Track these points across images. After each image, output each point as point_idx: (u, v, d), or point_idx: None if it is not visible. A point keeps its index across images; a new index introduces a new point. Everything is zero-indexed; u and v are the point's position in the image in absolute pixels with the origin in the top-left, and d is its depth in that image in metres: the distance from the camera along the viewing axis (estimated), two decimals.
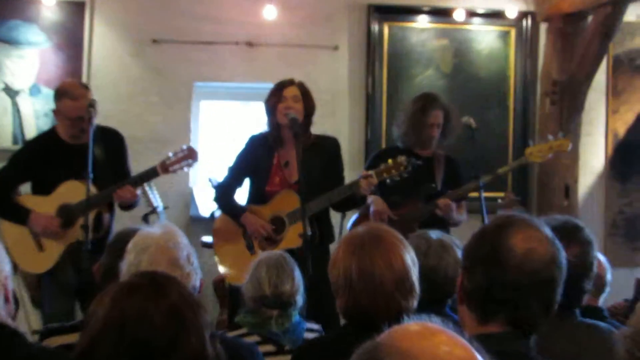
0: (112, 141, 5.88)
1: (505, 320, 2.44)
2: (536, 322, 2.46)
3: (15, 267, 5.96)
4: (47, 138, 5.87)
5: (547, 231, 2.51)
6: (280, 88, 5.69)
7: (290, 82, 5.71)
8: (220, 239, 5.92)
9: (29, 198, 5.81)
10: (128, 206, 5.87)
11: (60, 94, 5.69)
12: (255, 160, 5.80)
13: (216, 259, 5.93)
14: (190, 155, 5.71)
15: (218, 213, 6.25)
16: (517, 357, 2.37)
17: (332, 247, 5.58)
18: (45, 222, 5.66)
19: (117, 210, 5.91)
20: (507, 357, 1.62)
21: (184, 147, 5.75)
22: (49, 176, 5.69)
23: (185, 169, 5.77)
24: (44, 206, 5.69)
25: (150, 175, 5.69)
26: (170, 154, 5.70)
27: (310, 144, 5.69)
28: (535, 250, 2.44)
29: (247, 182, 5.92)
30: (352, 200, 5.67)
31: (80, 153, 5.41)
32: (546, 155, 6.30)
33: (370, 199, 6.13)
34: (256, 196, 5.83)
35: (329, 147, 5.85)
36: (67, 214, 5.66)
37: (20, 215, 5.72)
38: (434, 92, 6.57)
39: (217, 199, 6.00)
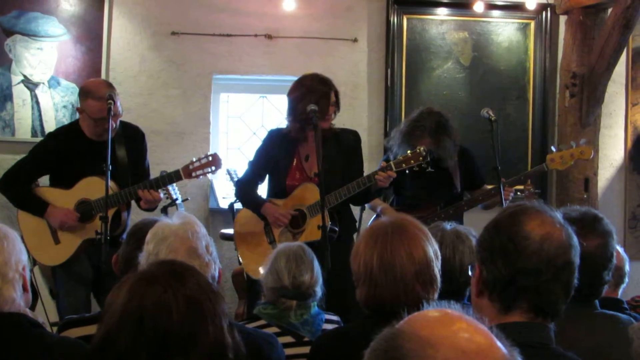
0: (133, 138, 5.87)
1: (527, 308, 2.43)
2: (557, 307, 2.45)
3: (34, 259, 5.98)
4: (69, 132, 5.85)
5: (558, 216, 2.50)
6: (325, 94, 5.59)
7: (329, 86, 5.63)
8: (241, 233, 5.91)
9: (48, 191, 5.80)
10: (150, 208, 5.82)
11: (84, 93, 5.67)
12: (275, 155, 5.78)
13: (237, 252, 5.93)
14: (214, 163, 5.70)
15: (237, 205, 6.24)
16: (539, 348, 2.37)
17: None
18: (63, 216, 5.66)
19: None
20: (528, 347, 1.61)
21: (209, 153, 5.74)
22: (69, 170, 5.69)
23: (209, 176, 5.78)
24: (63, 200, 5.70)
25: (173, 179, 5.67)
26: (194, 159, 5.68)
27: (330, 137, 5.68)
28: (551, 234, 2.43)
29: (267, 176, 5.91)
30: (366, 193, 5.64)
31: (103, 150, 5.41)
32: (568, 162, 6.28)
33: (379, 208, 6.14)
34: (276, 190, 5.82)
35: (349, 139, 5.83)
36: (86, 210, 5.67)
37: (38, 208, 5.72)
38: (434, 112, 6.28)
39: (238, 194, 6.00)
